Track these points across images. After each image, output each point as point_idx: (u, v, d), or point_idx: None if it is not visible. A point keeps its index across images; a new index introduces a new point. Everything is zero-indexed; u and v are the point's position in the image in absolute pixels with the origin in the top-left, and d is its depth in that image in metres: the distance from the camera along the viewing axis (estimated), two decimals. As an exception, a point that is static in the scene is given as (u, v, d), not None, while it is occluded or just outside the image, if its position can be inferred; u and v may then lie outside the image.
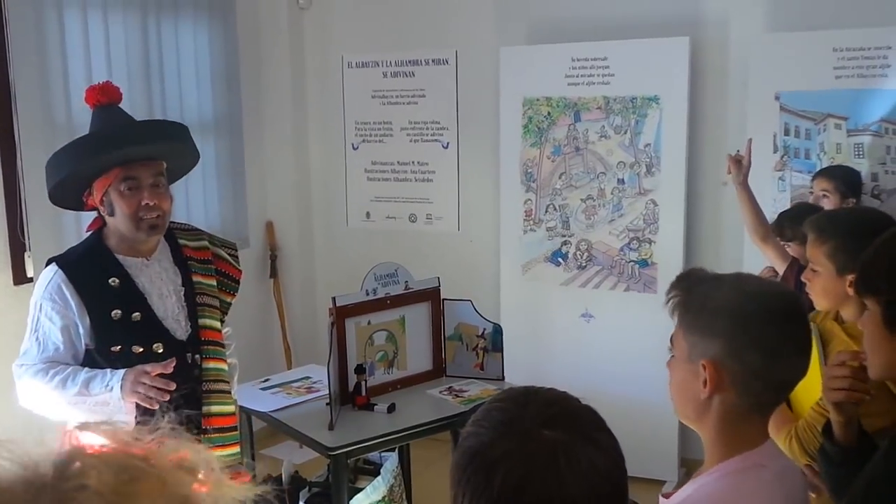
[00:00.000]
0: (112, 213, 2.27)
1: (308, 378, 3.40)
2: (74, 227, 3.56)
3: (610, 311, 4.23)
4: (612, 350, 4.19)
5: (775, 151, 3.83)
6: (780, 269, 3.17)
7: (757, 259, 3.42)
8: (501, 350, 3.30)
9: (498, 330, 3.32)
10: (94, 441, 0.68)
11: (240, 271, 2.56)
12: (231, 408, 2.47)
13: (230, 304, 2.52)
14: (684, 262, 4.02)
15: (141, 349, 2.25)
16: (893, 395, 1.84)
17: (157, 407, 2.07)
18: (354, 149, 4.95)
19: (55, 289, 2.24)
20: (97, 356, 2.25)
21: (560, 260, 4.35)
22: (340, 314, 3.05)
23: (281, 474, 3.59)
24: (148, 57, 4.09)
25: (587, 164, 4.24)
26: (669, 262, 4.01)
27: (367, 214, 4.99)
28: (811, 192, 3.42)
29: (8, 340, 2.61)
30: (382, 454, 3.32)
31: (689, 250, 4.13)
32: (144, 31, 4.08)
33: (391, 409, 3.00)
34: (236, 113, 4.64)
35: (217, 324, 2.44)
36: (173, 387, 2.09)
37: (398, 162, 4.85)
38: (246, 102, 4.70)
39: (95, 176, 2.25)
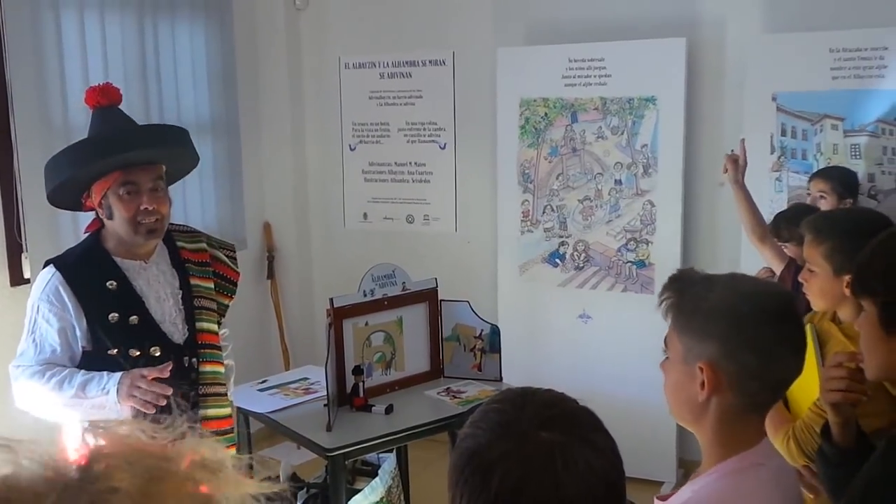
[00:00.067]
0: (111, 217, 2.27)
1: (306, 379, 3.40)
2: (71, 229, 3.56)
3: (607, 311, 4.24)
4: (610, 351, 4.19)
5: (772, 152, 3.83)
6: (778, 269, 3.17)
7: (754, 259, 3.42)
8: (499, 351, 3.30)
9: (495, 331, 3.32)
10: (90, 440, 0.68)
11: (237, 273, 2.55)
12: (227, 410, 2.46)
13: (228, 306, 2.52)
14: (681, 263, 4.02)
15: (138, 352, 2.25)
16: (891, 395, 1.84)
17: (153, 411, 2.07)
18: (352, 150, 4.95)
19: (53, 291, 2.24)
20: (94, 359, 2.25)
21: (557, 261, 4.35)
22: (338, 315, 3.05)
23: (279, 476, 3.58)
24: (145, 58, 4.09)
25: (584, 164, 4.25)
26: (667, 262, 4.01)
27: (365, 215, 4.99)
28: (808, 193, 3.42)
29: (5, 341, 2.60)
30: (380, 455, 3.32)
31: (686, 251, 4.13)
32: (141, 31, 4.07)
33: (389, 410, 3.00)
34: (233, 114, 4.63)
35: (214, 327, 2.43)
36: (170, 391, 2.09)
37: (395, 163, 4.85)
38: (243, 103, 4.70)
39: (94, 179, 2.25)
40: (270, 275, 4.96)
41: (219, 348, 2.45)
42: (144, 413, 2.10)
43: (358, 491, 3.08)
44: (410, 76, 4.73)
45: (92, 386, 2.18)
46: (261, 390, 3.28)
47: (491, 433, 1.01)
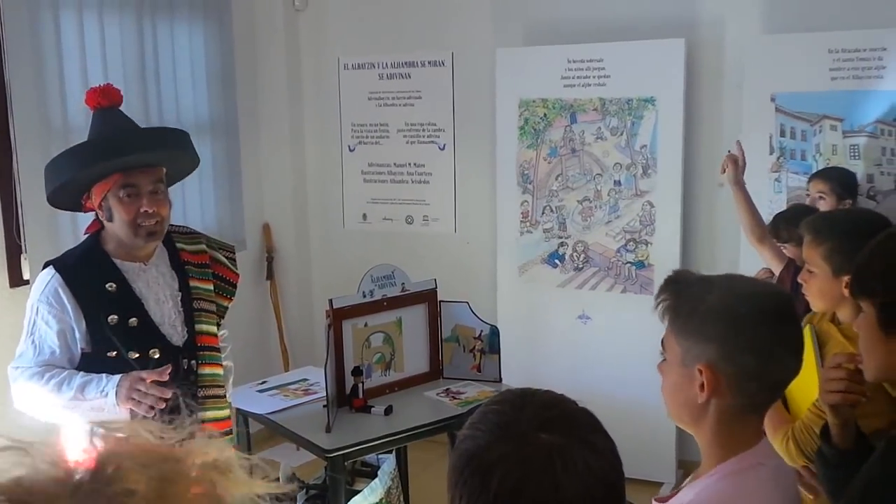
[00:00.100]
0: (110, 219, 2.27)
1: (305, 380, 3.40)
2: (71, 230, 3.56)
3: (607, 312, 4.23)
4: (610, 352, 4.19)
5: (771, 153, 3.84)
6: (777, 270, 3.17)
7: (753, 260, 3.42)
8: (498, 352, 3.30)
9: (495, 332, 3.32)
10: (98, 441, 0.67)
11: (237, 275, 2.55)
12: (225, 412, 2.46)
13: (227, 307, 2.52)
14: (681, 264, 4.02)
15: (137, 355, 2.25)
16: (890, 396, 1.84)
17: (151, 414, 2.07)
18: (351, 150, 4.95)
19: (52, 292, 2.24)
20: (93, 360, 2.24)
21: (557, 261, 4.35)
22: (337, 316, 3.05)
23: (278, 477, 3.59)
24: (144, 59, 4.09)
25: (583, 165, 4.25)
26: (666, 263, 4.01)
27: (364, 216, 4.98)
28: (807, 194, 3.42)
29: (4, 342, 2.60)
30: (380, 456, 3.31)
31: (685, 252, 4.13)
32: (140, 32, 4.07)
33: (388, 411, 3.00)
34: (232, 115, 4.63)
35: (213, 328, 2.43)
36: (169, 394, 2.09)
37: (395, 164, 4.85)
38: (242, 104, 4.69)
39: (94, 181, 2.25)
40: (270, 275, 4.96)
41: (218, 350, 2.45)
42: (143, 415, 2.09)
43: (357, 492, 3.08)
44: (409, 77, 4.73)
45: (91, 388, 2.18)
46: (260, 391, 3.28)
47: (490, 435, 1.01)
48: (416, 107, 4.74)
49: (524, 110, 4.32)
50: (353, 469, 3.40)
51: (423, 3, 4.65)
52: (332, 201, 5.05)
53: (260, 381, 3.40)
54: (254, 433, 3.33)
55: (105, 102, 2.31)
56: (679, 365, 1.38)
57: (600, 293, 4.26)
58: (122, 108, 2.39)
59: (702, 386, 1.34)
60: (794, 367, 1.38)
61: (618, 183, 4.18)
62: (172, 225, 2.44)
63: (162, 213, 2.28)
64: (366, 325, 3.15)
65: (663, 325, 1.42)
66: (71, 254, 2.38)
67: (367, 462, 3.44)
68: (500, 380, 3.28)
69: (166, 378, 2.14)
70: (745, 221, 3.27)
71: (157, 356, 2.27)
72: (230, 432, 2.48)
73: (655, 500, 1.43)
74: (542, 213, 4.35)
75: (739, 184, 3.24)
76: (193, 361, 2.36)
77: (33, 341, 2.26)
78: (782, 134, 3.82)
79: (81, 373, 2.22)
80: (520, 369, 3.80)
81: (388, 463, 3.24)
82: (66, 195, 2.30)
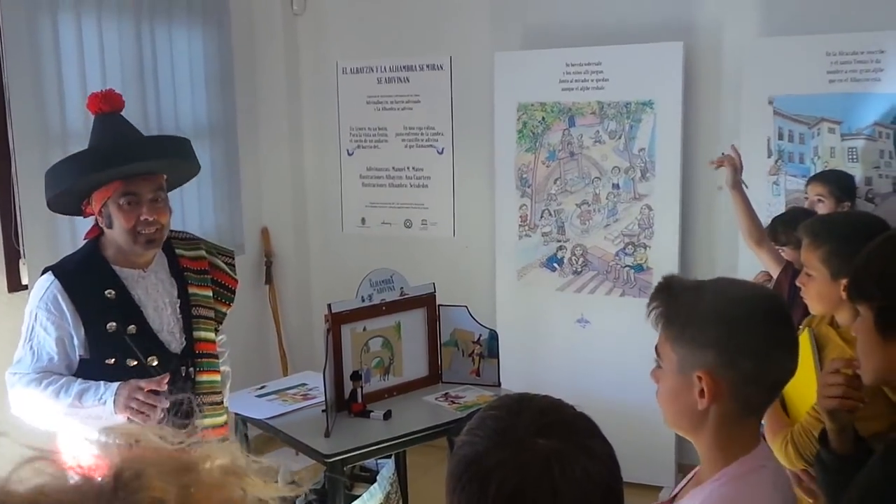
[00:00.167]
0: (110, 226, 2.26)
1: (304, 385, 3.39)
2: (69, 235, 3.56)
3: (605, 316, 4.23)
4: (608, 355, 4.18)
5: (769, 156, 3.84)
6: (775, 273, 3.17)
7: (752, 263, 3.42)
8: (497, 356, 3.30)
9: (494, 336, 3.31)
10: (111, 448, 0.67)
11: (236, 281, 2.55)
12: (222, 419, 2.46)
13: (226, 314, 2.52)
14: (679, 267, 4.02)
15: (135, 362, 2.25)
16: (888, 399, 1.84)
17: (149, 423, 2.07)
18: (349, 154, 4.95)
19: (51, 299, 2.23)
20: (91, 367, 2.24)
21: (555, 265, 4.35)
22: (336, 320, 3.04)
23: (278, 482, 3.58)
24: (142, 62, 4.09)
25: (582, 169, 4.25)
26: (664, 266, 4.01)
27: (363, 220, 4.98)
28: (805, 197, 3.42)
29: (2, 347, 2.60)
30: (379, 461, 3.31)
31: (683, 255, 4.13)
32: (138, 36, 4.07)
33: (387, 415, 3.00)
34: (231, 118, 4.63)
35: (212, 335, 2.43)
36: (167, 404, 2.09)
37: (393, 168, 4.85)
38: (240, 108, 4.70)
39: (95, 188, 2.25)
40: (268, 280, 4.95)
41: (216, 357, 2.45)
42: (140, 424, 2.09)
43: (356, 497, 3.07)
44: (408, 81, 4.74)
45: (89, 396, 2.17)
46: (259, 396, 3.28)
47: (488, 440, 1.01)
48: (415, 111, 4.74)
49: (522, 114, 4.32)
50: (352, 474, 3.39)
51: (421, 7, 4.65)
52: (330, 205, 5.05)
53: (259, 386, 3.40)
54: (253, 438, 3.33)
55: (107, 108, 2.31)
56: (676, 372, 1.38)
57: (599, 297, 4.26)
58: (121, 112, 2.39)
59: (701, 392, 1.34)
60: (792, 367, 1.38)
61: (616, 186, 4.18)
62: (172, 230, 2.44)
63: (162, 220, 2.28)
64: (364, 329, 3.15)
65: (656, 331, 1.42)
66: (70, 259, 2.37)
67: (367, 467, 3.43)
68: (499, 384, 3.28)
69: (164, 388, 2.14)
70: (744, 225, 3.28)
71: (155, 363, 2.27)
72: (226, 439, 2.47)
73: (658, 504, 1.44)
74: (541, 217, 4.35)
75: (738, 187, 3.25)
76: (192, 368, 2.36)
77: (31, 347, 2.26)
78: (780, 137, 3.82)
79: (79, 380, 2.22)
80: (519, 373, 3.80)
81: (387, 467, 3.23)
82: (66, 201, 2.30)
